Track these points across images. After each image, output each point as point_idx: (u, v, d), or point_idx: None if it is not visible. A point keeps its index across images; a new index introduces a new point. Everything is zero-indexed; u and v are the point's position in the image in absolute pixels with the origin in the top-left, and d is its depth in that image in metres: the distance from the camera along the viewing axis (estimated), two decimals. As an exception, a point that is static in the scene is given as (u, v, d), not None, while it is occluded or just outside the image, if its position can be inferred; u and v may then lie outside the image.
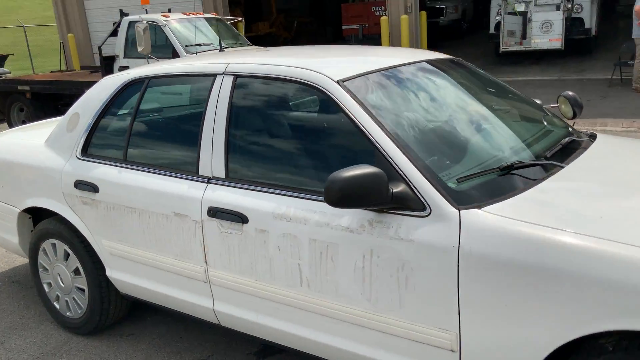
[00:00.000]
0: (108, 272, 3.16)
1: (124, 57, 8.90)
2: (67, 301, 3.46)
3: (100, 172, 3.04)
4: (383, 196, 2.08)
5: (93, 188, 3.04)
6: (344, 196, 2.03)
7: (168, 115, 2.98)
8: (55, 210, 3.24)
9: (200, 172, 2.71)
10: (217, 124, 2.69)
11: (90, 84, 8.89)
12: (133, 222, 2.90)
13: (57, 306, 3.53)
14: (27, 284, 4.22)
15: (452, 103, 2.65)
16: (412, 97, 2.57)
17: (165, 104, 3.02)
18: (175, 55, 8.49)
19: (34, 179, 3.33)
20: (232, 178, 2.62)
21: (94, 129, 3.17)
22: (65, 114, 3.36)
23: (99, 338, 3.43)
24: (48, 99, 9.97)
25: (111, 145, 3.10)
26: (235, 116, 2.68)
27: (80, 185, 3.09)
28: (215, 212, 2.58)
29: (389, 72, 2.67)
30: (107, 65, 9.06)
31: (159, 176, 2.83)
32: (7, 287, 4.17)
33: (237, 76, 2.72)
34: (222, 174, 2.64)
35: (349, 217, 2.24)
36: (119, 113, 3.15)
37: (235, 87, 2.70)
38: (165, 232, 2.78)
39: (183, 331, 3.45)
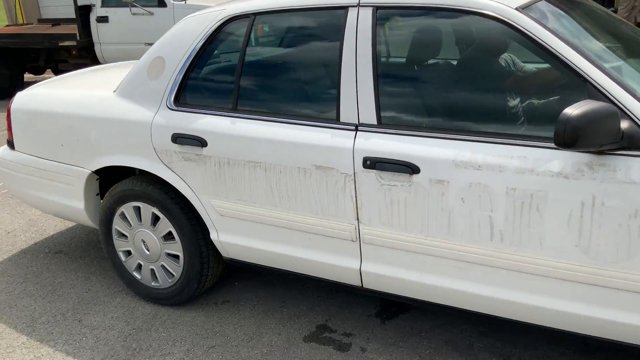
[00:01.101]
0: (214, 236, 2.83)
1: (102, 6, 8.21)
2: (153, 270, 3.11)
3: (207, 123, 2.69)
4: (614, 134, 1.86)
5: (199, 142, 2.68)
6: (578, 136, 1.81)
7: (287, 56, 2.64)
8: (145, 169, 2.87)
9: (342, 119, 2.41)
10: (360, 64, 2.38)
11: (64, 37, 8.22)
12: (257, 179, 2.58)
13: (138, 276, 3.18)
14: (72, 253, 3.82)
15: (608, 32, 2.44)
16: (581, 25, 2.33)
17: (281, 43, 2.67)
18: (161, 3, 7.89)
19: (112, 135, 2.93)
20: (386, 124, 2.33)
21: (188, 74, 2.79)
22: (142, 60, 2.95)
23: (192, 308, 3.12)
24: (13, 55, 9.18)
25: (214, 93, 2.74)
26: (383, 54, 2.38)
27: (181, 139, 2.73)
28: (373, 163, 2.30)
29: (550, 1, 2.42)
30: (82, 16, 8.34)
31: (289, 125, 2.51)
32: (53, 259, 3.76)
33: (377, 7, 2.40)
34: (373, 120, 2.35)
35: (560, 161, 2.01)
36: (218, 55, 2.78)
37: (377, 19, 2.39)
38: (303, 188, 2.48)
39: (282, 296, 3.18)
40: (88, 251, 3.84)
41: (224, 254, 2.89)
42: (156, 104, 2.84)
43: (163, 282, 3.09)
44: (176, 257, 3.02)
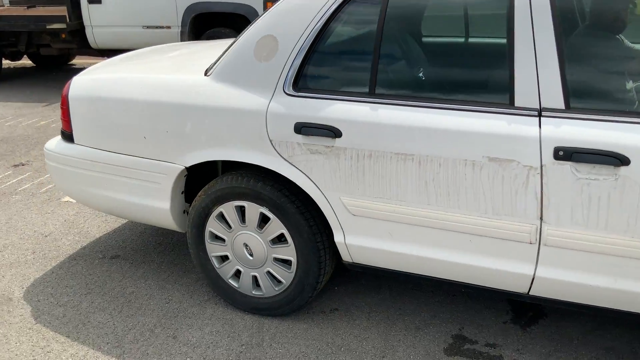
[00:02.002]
0: (339, 238, 2.49)
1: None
2: (255, 277, 2.75)
3: (340, 110, 2.34)
4: None
5: (332, 132, 2.33)
6: None
7: (437, 30, 2.30)
8: (259, 164, 2.50)
9: (518, 103, 2.10)
10: (539, 39, 2.07)
11: (52, 19, 7.62)
12: (406, 173, 2.25)
13: (235, 284, 2.81)
14: (132, 258, 3.41)
15: None
16: None
17: (429, 16, 2.33)
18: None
19: (214, 126, 2.55)
20: (577, 109, 2.04)
21: (309, 55, 2.43)
22: (245, 39, 2.56)
23: (299, 318, 2.78)
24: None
25: (344, 76, 2.39)
26: (567, 27, 2.08)
27: (307, 129, 2.37)
28: (569, 154, 2.00)
29: None
30: (72, -5, 7.72)
31: (448, 112, 2.19)
32: (112, 266, 3.34)
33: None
34: (560, 104, 2.05)
35: None
36: (347, 32, 2.43)
37: None
38: (468, 184, 2.16)
39: (395, 301, 2.88)
40: (150, 255, 3.43)
41: (346, 258, 2.55)
42: (269, 90, 2.47)
43: (267, 290, 2.73)
44: (286, 262, 2.67)
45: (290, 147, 2.42)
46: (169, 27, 7.39)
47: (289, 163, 2.45)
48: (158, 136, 2.69)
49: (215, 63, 2.67)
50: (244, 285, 2.78)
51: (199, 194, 2.73)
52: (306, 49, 2.42)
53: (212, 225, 2.74)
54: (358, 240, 2.46)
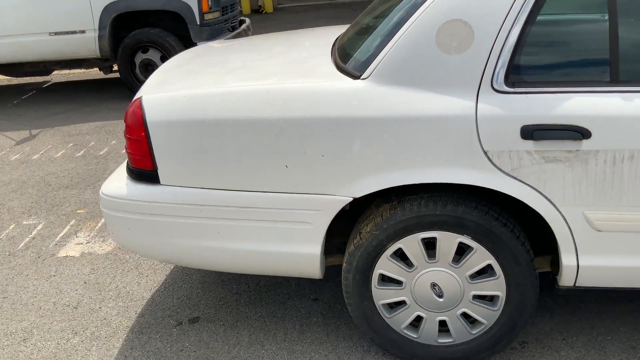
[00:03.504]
0: (569, 260, 2.06)
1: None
2: (443, 322, 2.23)
3: (584, 105, 1.90)
4: None
5: (579, 133, 1.88)
6: None
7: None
8: (470, 183, 1.99)
9: None
10: None
11: None
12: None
13: (413, 334, 2.27)
14: (218, 318, 2.72)
15: None
16: None
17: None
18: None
19: (397, 141, 1.99)
20: None
21: (521, 40, 1.95)
22: (415, 29, 2.00)
23: (498, 362, 2.30)
24: None
25: (571, 62, 1.95)
26: None
27: (541, 132, 1.90)
28: None
29: None
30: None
31: None
32: (201, 334, 2.63)
33: None
34: None
35: None
36: (567, 7, 1.98)
37: None
38: None
39: (575, 321, 2.50)
40: (238, 311, 2.74)
41: (567, 283, 2.12)
42: (470, 88, 1.96)
43: (459, 335, 2.22)
44: (484, 298, 2.18)
45: (515, 158, 1.93)
46: (83, 32, 6.37)
47: (513, 177, 1.96)
48: (308, 163, 2.07)
49: (368, 62, 2.08)
50: (426, 333, 2.24)
51: (366, 229, 2.14)
52: (517, 33, 1.93)
53: (384, 266, 2.17)
54: (598, 260, 2.03)
